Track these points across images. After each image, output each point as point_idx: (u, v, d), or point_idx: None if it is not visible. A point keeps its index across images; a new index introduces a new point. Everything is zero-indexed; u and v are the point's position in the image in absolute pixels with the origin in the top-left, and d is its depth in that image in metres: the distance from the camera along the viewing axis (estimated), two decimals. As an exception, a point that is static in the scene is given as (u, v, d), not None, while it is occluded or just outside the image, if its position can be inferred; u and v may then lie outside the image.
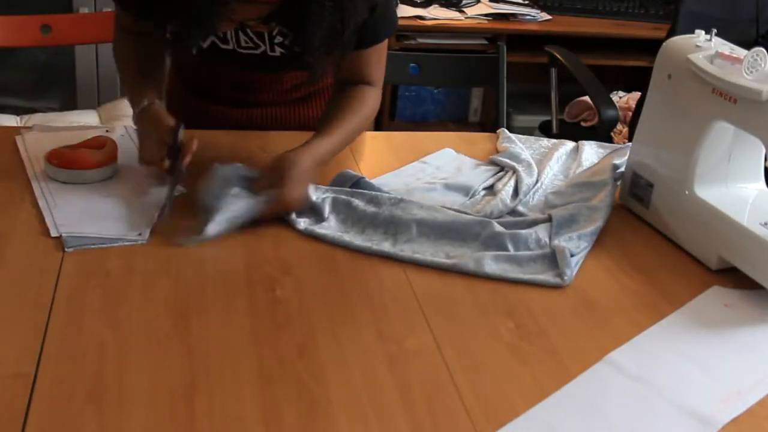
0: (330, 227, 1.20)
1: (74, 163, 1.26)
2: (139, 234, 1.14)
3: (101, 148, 1.31)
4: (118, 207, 1.21)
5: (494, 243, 1.19)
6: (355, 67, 1.41)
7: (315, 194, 1.25)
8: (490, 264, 1.14)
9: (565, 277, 1.13)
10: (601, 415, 0.90)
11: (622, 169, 1.39)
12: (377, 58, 1.43)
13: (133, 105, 1.33)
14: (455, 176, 1.42)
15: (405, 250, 1.17)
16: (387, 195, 1.26)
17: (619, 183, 1.38)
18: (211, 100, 1.58)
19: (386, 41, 1.43)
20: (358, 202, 1.24)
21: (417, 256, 1.16)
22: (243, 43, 1.39)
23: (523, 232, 1.21)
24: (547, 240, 1.21)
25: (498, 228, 1.20)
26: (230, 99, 1.57)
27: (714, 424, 0.90)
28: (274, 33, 1.36)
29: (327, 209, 1.23)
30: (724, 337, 1.06)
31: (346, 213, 1.23)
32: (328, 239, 1.18)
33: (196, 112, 1.56)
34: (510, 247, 1.18)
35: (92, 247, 1.11)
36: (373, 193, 1.27)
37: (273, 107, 1.58)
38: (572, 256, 1.17)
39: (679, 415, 0.91)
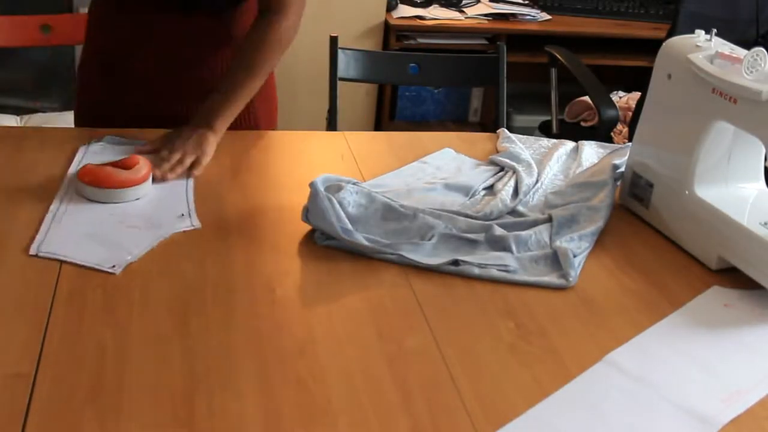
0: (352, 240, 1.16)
1: (100, 181, 1.24)
2: (113, 266, 1.08)
3: (132, 167, 1.27)
4: (116, 233, 1.16)
5: (498, 246, 1.19)
6: None
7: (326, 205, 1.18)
8: (494, 270, 1.14)
9: (570, 278, 1.13)
10: (601, 415, 0.90)
11: (622, 169, 1.39)
12: None
13: (201, 118, 1.39)
14: (455, 176, 1.42)
15: (410, 253, 1.16)
16: (400, 208, 1.23)
17: (619, 183, 1.38)
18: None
19: None
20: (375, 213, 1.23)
21: (423, 260, 1.15)
22: None
23: (523, 233, 1.21)
24: (547, 240, 1.21)
25: (499, 231, 1.20)
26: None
27: (714, 424, 0.90)
28: None
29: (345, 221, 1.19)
30: (724, 337, 1.06)
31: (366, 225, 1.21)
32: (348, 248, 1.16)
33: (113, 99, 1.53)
34: (513, 248, 1.18)
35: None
36: (388, 202, 1.24)
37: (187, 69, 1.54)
38: (574, 256, 1.17)
39: (678, 415, 0.91)
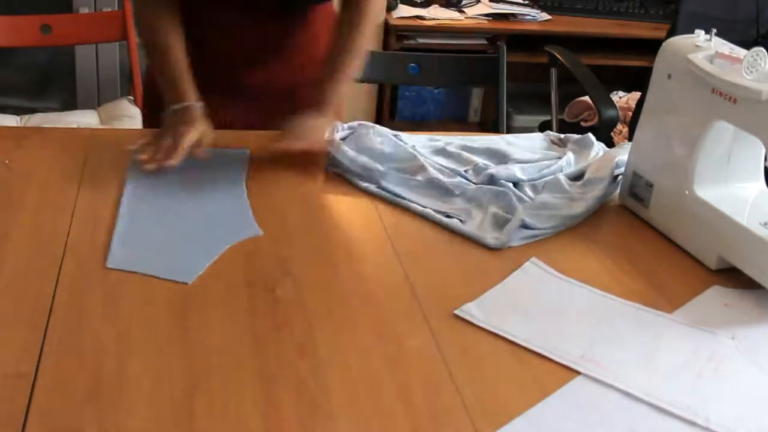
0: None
1: None
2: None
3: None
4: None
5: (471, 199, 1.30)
6: None
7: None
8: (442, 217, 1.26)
9: (492, 240, 1.20)
10: (601, 415, 0.90)
11: (621, 169, 1.39)
12: None
13: (172, 97, 1.40)
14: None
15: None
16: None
17: (619, 179, 1.38)
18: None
19: None
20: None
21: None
22: None
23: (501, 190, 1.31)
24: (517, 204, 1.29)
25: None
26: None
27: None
28: None
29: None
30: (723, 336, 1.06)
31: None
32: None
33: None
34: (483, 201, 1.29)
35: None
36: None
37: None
38: (526, 227, 1.23)
39: (679, 414, 0.91)
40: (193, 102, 1.40)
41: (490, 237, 1.21)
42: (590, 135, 1.54)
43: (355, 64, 1.50)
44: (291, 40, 1.57)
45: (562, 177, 1.38)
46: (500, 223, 1.25)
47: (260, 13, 1.51)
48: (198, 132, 1.36)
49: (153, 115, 1.57)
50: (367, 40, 1.52)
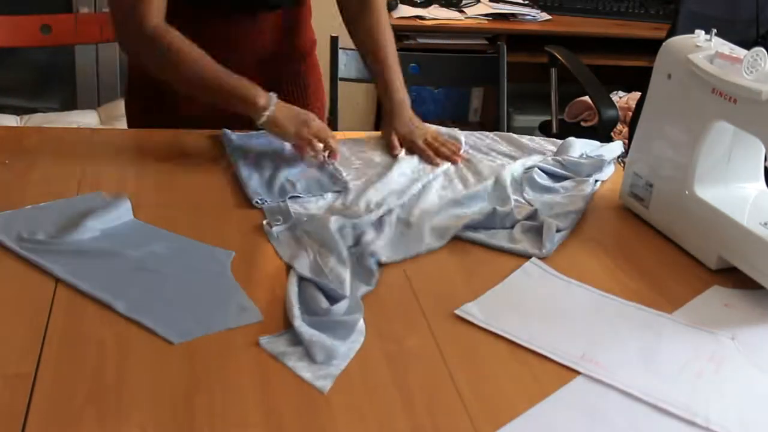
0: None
1: None
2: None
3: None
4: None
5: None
6: None
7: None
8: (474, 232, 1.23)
9: (544, 250, 1.18)
10: (601, 415, 0.90)
11: (610, 165, 1.43)
12: None
13: (251, 105, 1.34)
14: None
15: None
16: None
17: (596, 181, 1.43)
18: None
19: None
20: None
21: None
22: None
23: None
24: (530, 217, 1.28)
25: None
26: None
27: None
28: None
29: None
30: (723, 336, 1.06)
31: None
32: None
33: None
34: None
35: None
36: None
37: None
38: (558, 231, 1.23)
39: (679, 414, 0.91)
40: (272, 96, 1.35)
41: (538, 249, 1.20)
42: (571, 139, 1.56)
43: (396, 59, 1.58)
44: (266, 38, 1.54)
45: (541, 176, 1.42)
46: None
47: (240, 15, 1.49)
48: (316, 120, 1.38)
49: (141, 115, 1.56)
50: (390, 32, 1.59)
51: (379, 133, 1.56)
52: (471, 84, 3.20)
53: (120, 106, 2.59)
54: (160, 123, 1.51)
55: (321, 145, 1.37)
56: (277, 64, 1.57)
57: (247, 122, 1.41)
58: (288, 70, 1.61)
